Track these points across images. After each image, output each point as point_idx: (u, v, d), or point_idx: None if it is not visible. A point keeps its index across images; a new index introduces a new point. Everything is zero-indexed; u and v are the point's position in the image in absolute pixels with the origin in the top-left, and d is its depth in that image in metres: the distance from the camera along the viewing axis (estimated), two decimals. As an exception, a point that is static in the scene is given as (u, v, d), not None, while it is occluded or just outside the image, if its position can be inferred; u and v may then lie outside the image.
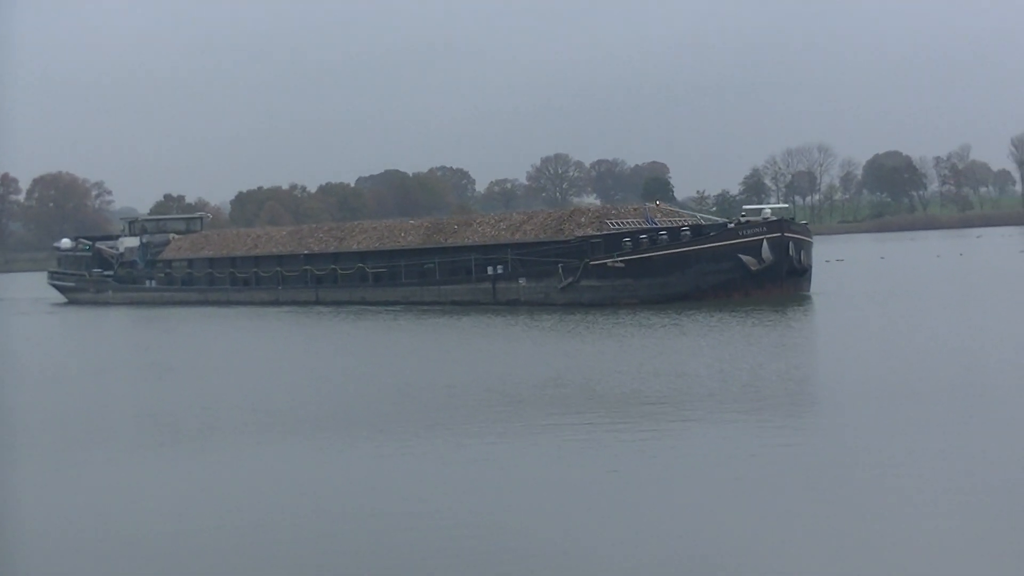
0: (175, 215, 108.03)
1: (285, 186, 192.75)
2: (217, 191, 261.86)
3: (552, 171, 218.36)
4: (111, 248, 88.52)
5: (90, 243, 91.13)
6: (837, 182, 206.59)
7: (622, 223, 56.93)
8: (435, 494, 18.42)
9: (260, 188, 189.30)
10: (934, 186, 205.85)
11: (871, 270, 73.09)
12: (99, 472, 21.86)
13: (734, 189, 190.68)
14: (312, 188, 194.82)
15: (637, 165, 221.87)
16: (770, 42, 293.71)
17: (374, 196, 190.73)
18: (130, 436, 25.43)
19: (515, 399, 26.74)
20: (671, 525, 16.29)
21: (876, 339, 35.49)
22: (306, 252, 71.12)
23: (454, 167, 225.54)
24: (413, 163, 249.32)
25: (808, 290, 53.30)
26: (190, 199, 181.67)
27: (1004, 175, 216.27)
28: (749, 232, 52.44)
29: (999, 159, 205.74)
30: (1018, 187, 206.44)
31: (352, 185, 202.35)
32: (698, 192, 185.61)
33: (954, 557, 14.52)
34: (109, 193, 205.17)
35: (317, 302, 67.78)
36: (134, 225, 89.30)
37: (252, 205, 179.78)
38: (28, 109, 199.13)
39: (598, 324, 44.52)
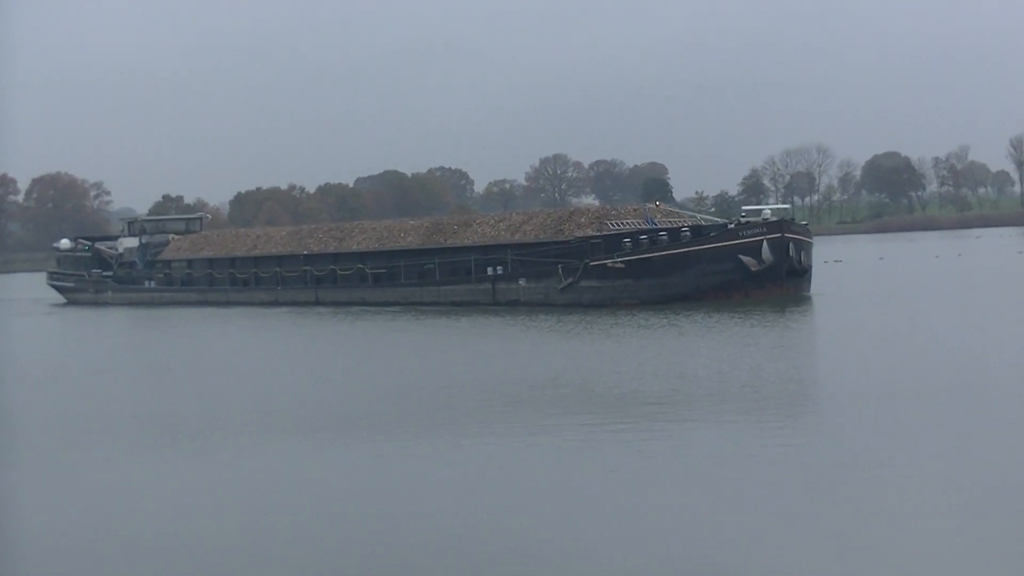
0: (174, 215, 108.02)
1: (284, 186, 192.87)
2: (216, 192, 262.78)
3: (551, 172, 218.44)
4: (110, 248, 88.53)
5: (89, 244, 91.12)
6: (836, 183, 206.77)
7: (622, 224, 56.91)
8: (434, 494, 18.43)
9: (259, 189, 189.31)
10: (933, 187, 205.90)
11: (870, 271, 73.10)
12: (99, 472, 21.87)
13: (733, 190, 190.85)
14: (311, 189, 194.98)
15: (636, 166, 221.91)
16: (770, 42, 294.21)
17: (373, 197, 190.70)
18: (130, 436, 25.44)
19: (514, 400, 26.74)
20: (670, 525, 16.30)
21: (875, 339, 35.50)
22: (305, 253, 71.10)
23: (453, 168, 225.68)
24: (412, 164, 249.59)
25: (808, 291, 53.31)
26: (189, 200, 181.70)
27: (1003, 176, 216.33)
28: (749, 233, 52.44)
29: (998, 160, 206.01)
30: (1017, 188, 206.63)
31: (351, 186, 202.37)
32: (697, 193, 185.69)
33: (954, 557, 14.53)
34: (108, 193, 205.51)
35: (316, 303, 67.76)
36: (133, 225, 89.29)
37: (251, 206, 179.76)
38: (28, 109, 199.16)
39: (597, 325, 44.52)
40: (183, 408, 28.68)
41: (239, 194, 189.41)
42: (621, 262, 53.54)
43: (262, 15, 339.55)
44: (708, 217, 65.36)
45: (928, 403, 23.90)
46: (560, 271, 55.61)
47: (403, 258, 65.01)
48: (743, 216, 56.74)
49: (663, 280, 52.65)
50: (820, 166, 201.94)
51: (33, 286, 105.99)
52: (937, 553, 14.69)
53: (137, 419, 27.80)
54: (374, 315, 57.19)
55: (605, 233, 55.71)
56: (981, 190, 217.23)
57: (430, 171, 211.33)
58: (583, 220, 58.08)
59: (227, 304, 72.80)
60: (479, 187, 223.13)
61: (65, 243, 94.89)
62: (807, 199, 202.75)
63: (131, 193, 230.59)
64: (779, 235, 51.95)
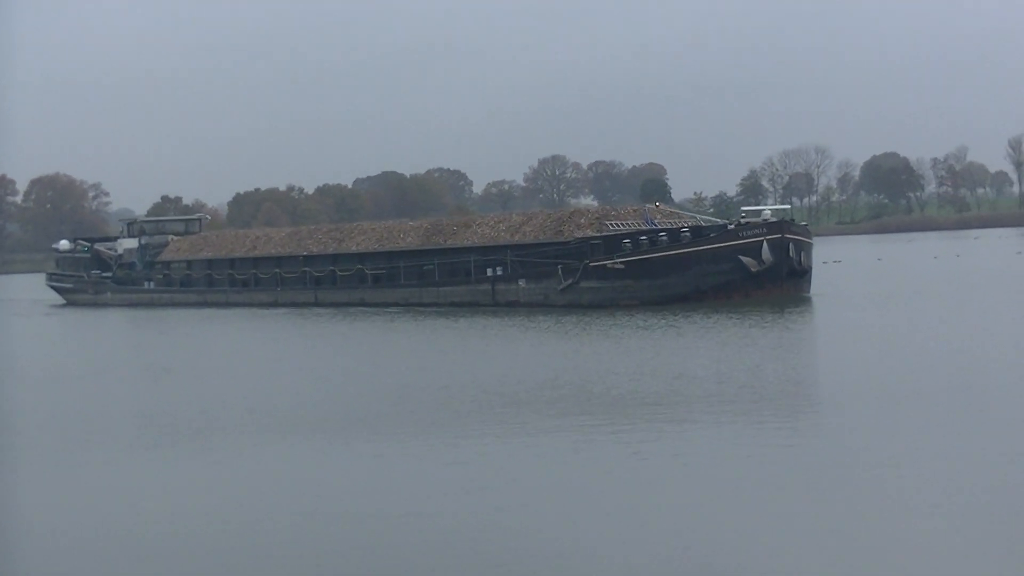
0: (173, 216, 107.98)
1: (282, 187, 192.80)
2: (215, 192, 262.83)
3: (549, 172, 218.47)
4: (110, 249, 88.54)
5: (89, 244, 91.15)
6: (834, 183, 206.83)
7: (622, 224, 56.87)
8: (433, 494, 18.44)
9: (257, 190, 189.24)
10: (931, 187, 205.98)
11: (869, 271, 73.12)
12: (98, 472, 21.88)
13: (731, 190, 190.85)
14: (309, 189, 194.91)
15: (634, 166, 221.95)
16: (770, 42, 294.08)
17: (371, 197, 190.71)
18: (129, 436, 25.44)
19: (512, 400, 26.75)
20: (669, 526, 16.31)
21: (874, 340, 35.49)
22: (305, 253, 71.06)
23: (451, 168, 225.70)
24: (411, 164, 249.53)
25: (808, 291, 53.30)
26: (187, 200, 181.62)
27: (1001, 176, 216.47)
28: (749, 233, 52.43)
29: (996, 160, 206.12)
30: (1015, 188, 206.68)
31: (349, 186, 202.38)
32: (695, 194, 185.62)
33: (954, 557, 14.54)
34: (106, 194, 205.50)
35: (316, 304, 67.73)
36: (133, 226, 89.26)
37: (249, 206, 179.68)
38: (27, 109, 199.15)
39: (595, 325, 44.52)
40: (182, 408, 28.66)
41: (238, 195, 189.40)
42: (621, 263, 53.53)
43: (262, 15, 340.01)
44: (708, 218, 65.31)
45: (928, 403, 23.92)
46: (560, 272, 55.58)
47: (402, 259, 64.98)
48: (743, 217, 56.71)
49: (663, 281, 52.63)
50: (819, 167, 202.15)
51: (32, 287, 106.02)
52: (937, 553, 14.70)
53: (137, 419, 27.80)
54: (373, 316, 57.19)
55: (605, 234, 55.68)
56: (980, 191, 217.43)
57: (429, 172, 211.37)
58: (583, 221, 58.04)
59: (226, 305, 72.77)
60: (478, 188, 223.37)
61: (64, 244, 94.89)
62: (805, 200, 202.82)
63: (129, 194, 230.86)
64: (779, 236, 51.94)
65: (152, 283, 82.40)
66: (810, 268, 54.14)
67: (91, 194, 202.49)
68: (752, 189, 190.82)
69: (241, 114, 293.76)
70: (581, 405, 25.63)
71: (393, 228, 69.37)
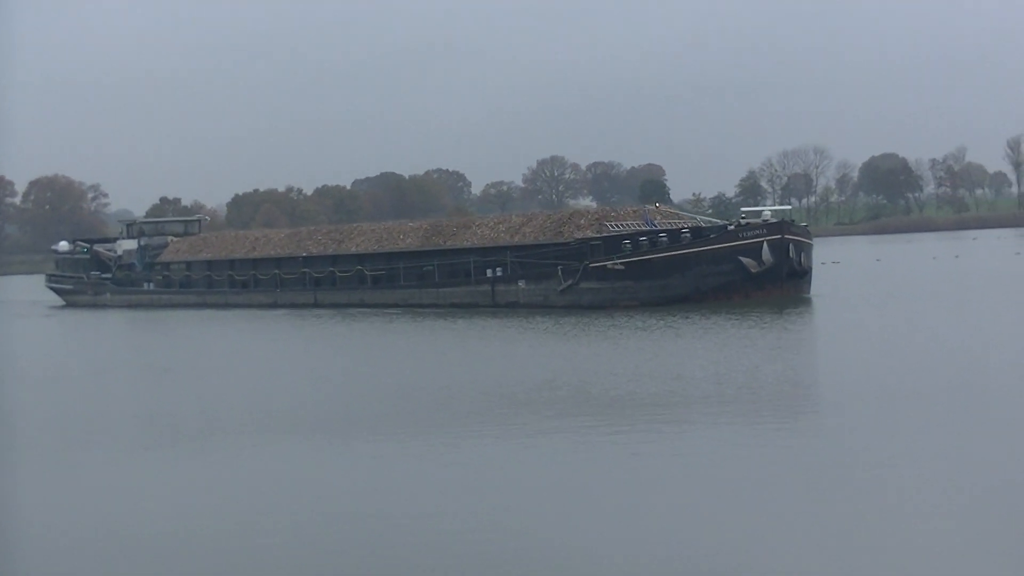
0: (173, 217, 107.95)
1: (281, 188, 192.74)
2: (213, 193, 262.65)
3: (548, 173, 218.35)
4: (109, 251, 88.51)
5: (88, 246, 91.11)
6: (833, 184, 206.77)
7: (621, 225, 56.87)
8: (432, 495, 18.46)
9: (256, 191, 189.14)
10: (930, 188, 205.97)
11: (868, 272, 73.13)
12: (98, 472, 21.91)
13: (730, 191, 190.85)
14: (308, 191, 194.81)
15: (633, 167, 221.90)
16: (770, 42, 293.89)
17: (370, 199, 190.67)
18: (129, 437, 25.47)
19: (512, 401, 26.76)
20: (668, 526, 16.33)
21: (874, 340, 35.51)
22: (304, 254, 71.05)
23: (450, 169, 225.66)
24: (410, 165, 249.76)
25: (808, 292, 53.31)
26: (186, 202, 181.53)
27: (1000, 177, 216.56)
28: (749, 234, 52.44)
29: (995, 161, 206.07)
30: (1014, 189, 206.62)
31: (348, 188, 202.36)
32: (694, 195, 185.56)
33: (954, 557, 14.56)
34: (105, 195, 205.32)
35: (316, 304, 67.70)
36: (132, 228, 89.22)
37: (248, 207, 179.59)
38: (27, 109, 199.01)
39: (594, 327, 44.52)
40: (182, 409, 28.69)
41: (236, 196, 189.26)
42: (621, 264, 53.53)
43: (262, 15, 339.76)
44: (708, 219, 65.29)
45: (927, 403, 23.94)
46: (560, 273, 55.57)
47: (402, 260, 64.95)
48: (743, 218, 56.71)
49: (663, 282, 52.62)
50: (817, 168, 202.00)
51: (31, 288, 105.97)
52: (937, 553, 14.71)
53: (137, 419, 27.84)
54: (373, 317, 57.18)
55: (605, 235, 55.68)
56: (978, 191, 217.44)
57: (427, 173, 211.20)
58: (583, 222, 58.01)
59: (226, 306, 72.76)
60: (476, 189, 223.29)
61: (64, 245, 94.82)
62: (804, 200, 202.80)
63: (128, 195, 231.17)
64: (779, 236, 51.95)
65: (151, 284, 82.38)
66: (810, 269, 54.17)
67: (90, 195, 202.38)
68: (751, 190, 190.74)
69: (241, 114, 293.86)
70: (580, 406, 25.64)
71: (393, 229, 69.34)
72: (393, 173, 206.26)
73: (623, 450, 20.88)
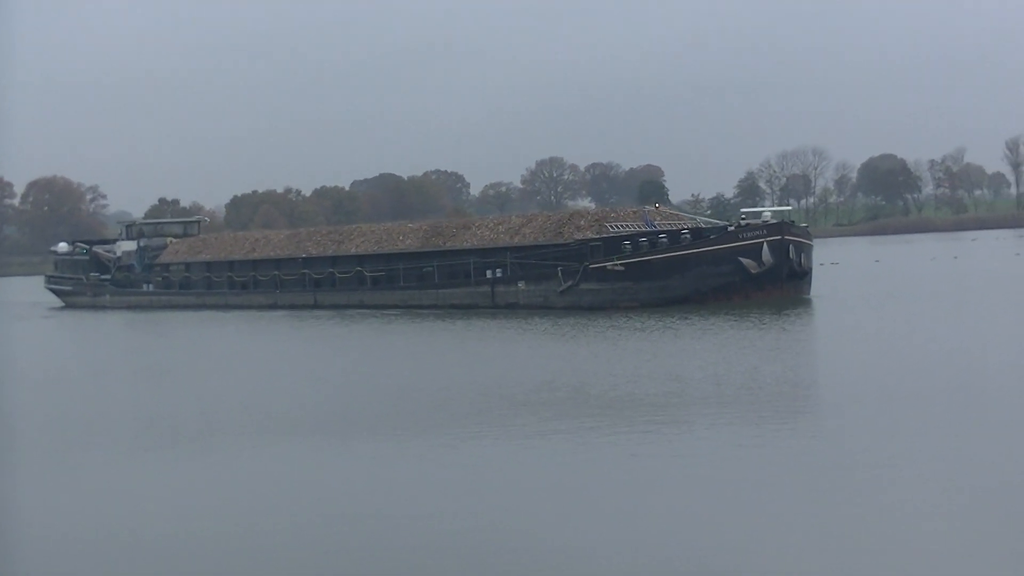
0: (172, 219, 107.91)
1: (280, 189, 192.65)
2: (212, 194, 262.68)
3: (547, 174, 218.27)
4: (108, 252, 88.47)
5: (87, 247, 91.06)
6: (832, 185, 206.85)
7: (621, 226, 56.88)
8: (432, 495, 18.48)
9: (255, 192, 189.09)
10: (929, 189, 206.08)
11: (867, 273, 73.14)
12: (98, 474, 21.92)
13: (728, 192, 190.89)
14: (307, 191, 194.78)
15: (632, 168, 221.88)
16: (770, 42, 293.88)
17: (369, 200, 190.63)
18: (129, 438, 25.48)
19: (511, 402, 26.78)
20: (667, 527, 16.35)
21: (873, 341, 35.54)
22: (304, 256, 71.03)
23: (449, 170, 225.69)
24: (409, 166, 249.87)
25: (808, 293, 53.31)
26: (185, 203, 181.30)
27: (999, 178, 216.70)
28: (749, 235, 52.43)
29: (994, 162, 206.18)
30: (1012, 190, 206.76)
31: (347, 189, 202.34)
32: (693, 195, 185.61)
33: (953, 557, 14.57)
34: (104, 197, 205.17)
35: (315, 306, 67.68)
36: (131, 229, 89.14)
37: (247, 209, 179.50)
38: (27, 110, 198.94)
39: (593, 327, 44.52)
40: (182, 410, 28.71)
41: (235, 197, 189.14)
42: (621, 265, 53.52)
43: (262, 15, 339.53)
44: (707, 219, 65.29)
45: (926, 404, 23.95)
46: (559, 274, 55.56)
47: (402, 261, 64.93)
48: (743, 218, 56.72)
49: (663, 283, 52.63)
50: (816, 168, 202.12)
51: (30, 289, 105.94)
52: (936, 553, 14.73)
53: (136, 421, 27.85)
54: (372, 318, 57.18)
55: (605, 235, 55.68)
56: (977, 192, 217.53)
57: (426, 174, 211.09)
58: (582, 222, 58.00)
59: (225, 307, 72.74)
60: (475, 190, 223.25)
61: (63, 246, 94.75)
62: (803, 201, 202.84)
63: (127, 196, 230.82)
64: (779, 237, 51.95)
65: (151, 285, 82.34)
66: (810, 270, 54.18)
67: (88, 196, 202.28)
68: (749, 191, 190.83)
69: (240, 114, 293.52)
70: (579, 407, 25.65)
71: (392, 230, 69.33)
72: (392, 174, 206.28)
73: (622, 451, 20.90)
